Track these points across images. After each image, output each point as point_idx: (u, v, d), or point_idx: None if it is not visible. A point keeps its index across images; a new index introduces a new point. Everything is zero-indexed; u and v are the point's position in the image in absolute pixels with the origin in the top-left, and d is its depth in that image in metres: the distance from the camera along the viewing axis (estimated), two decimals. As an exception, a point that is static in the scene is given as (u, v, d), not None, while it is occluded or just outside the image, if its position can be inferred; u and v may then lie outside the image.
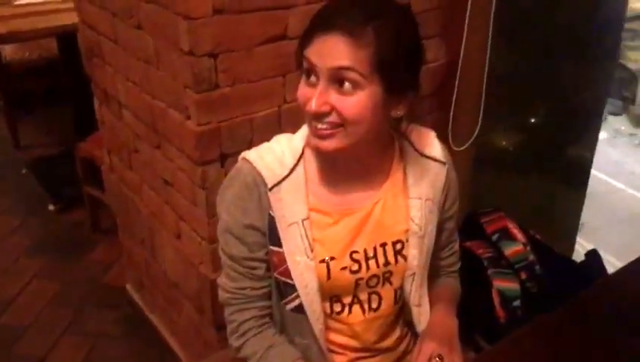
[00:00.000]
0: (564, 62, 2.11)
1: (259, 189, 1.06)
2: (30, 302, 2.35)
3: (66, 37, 2.82)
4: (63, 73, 2.98)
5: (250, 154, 1.09)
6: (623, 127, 4.01)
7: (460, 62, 1.76)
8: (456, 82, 1.80)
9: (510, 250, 1.53)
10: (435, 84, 1.82)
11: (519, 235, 1.55)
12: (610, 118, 4.04)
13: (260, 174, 1.06)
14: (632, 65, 4.04)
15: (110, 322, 2.23)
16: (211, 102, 1.40)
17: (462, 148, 1.88)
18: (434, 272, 1.22)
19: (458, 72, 1.79)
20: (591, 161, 2.47)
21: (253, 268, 1.11)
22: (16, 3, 2.78)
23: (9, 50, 3.20)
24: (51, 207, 2.88)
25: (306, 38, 0.97)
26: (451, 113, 1.83)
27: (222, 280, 1.15)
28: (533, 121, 2.08)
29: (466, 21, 1.71)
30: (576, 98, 2.23)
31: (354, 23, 0.92)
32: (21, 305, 2.34)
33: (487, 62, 1.79)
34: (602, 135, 3.71)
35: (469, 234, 1.59)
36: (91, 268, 2.52)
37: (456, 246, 1.28)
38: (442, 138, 1.52)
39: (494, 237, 1.56)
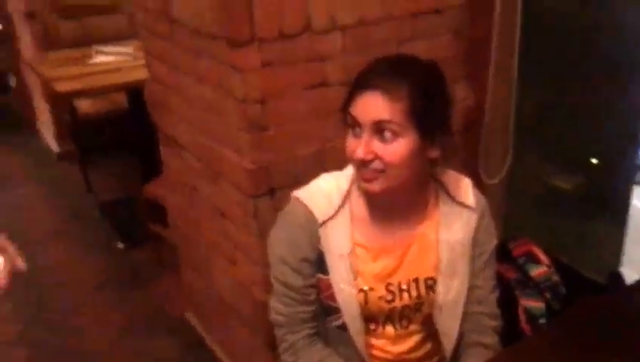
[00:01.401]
0: (596, 91, 2.21)
1: (310, 226, 1.24)
2: (102, 330, 2.58)
3: (134, 91, 3.12)
4: (131, 124, 3.28)
5: (302, 194, 1.27)
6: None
7: (488, 100, 1.93)
8: (485, 119, 1.96)
9: (535, 271, 1.65)
10: (465, 122, 1.97)
11: (543, 258, 1.67)
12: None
13: (311, 213, 1.24)
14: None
15: (172, 347, 2.42)
16: (261, 143, 1.60)
17: (493, 181, 2.03)
18: (470, 321, 1.31)
19: (486, 110, 1.94)
20: (630, 191, 2.53)
21: (307, 294, 1.28)
22: (90, 62, 3.12)
23: (83, 104, 3.54)
24: (120, 245, 3.14)
25: (350, 98, 1.17)
26: (481, 148, 1.98)
27: (275, 304, 1.32)
28: (566, 150, 2.18)
29: (492, 62, 1.87)
30: (610, 128, 2.32)
31: (389, 82, 1.12)
32: (94, 332, 2.57)
33: (513, 97, 1.94)
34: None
35: (498, 259, 1.72)
36: (155, 299, 2.74)
37: (489, 301, 1.32)
38: (473, 172, 1.68)
39: (520, 260, 1.68)
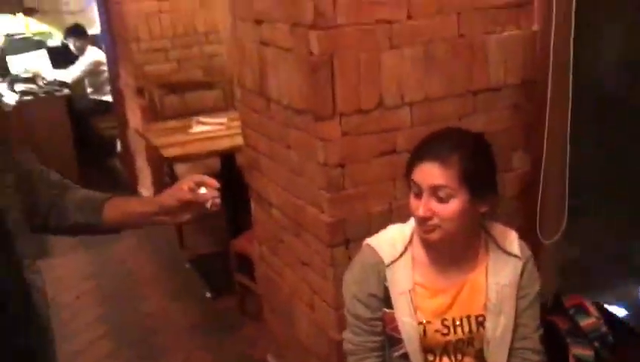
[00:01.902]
0: None
1: (378, 267, 1.50)
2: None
3: (227, 156, 3.52)
4: (222, 186, 3.66)
5: (372, 241, 1.55)
6: None
7: (543, 167, 2.13)
8: (541, 184, 2.16)
9: (585, 322, 1.80)
10: (522, 187, 2.18)
11: (593, 310, 1.82)
12: None
13: (379, 256, 1.50)
14: None
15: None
16: (339, 200, 1.88)
17: (550, 242, 2.20)
18: (516, 356, 1.51)
19: (542, 176, 2.15)
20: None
21: (374, 326, 1.53)
22: (190, 131, 3.55)
23: (181, 168, 3.98)
24: (208, 294, 3.46)
25: (412, 165, 1.45)
26: (538, 211, 2.17)
27: (347, 335, 1.57)
28: (621, 213, 2.33)
29: (545, 133, 2.09)
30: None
31: (443, 153, 1.40)
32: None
33: (567, 165, 2.14)
34: None
35: (552, 310, 1.89)
36: (239, 344, 3.01)
37: (533, 338, 1.51)
38: (531, 233, 1.88)
39: (571, 311, 1.84)
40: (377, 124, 1.87)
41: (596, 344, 1.75)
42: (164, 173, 4.20)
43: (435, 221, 1.40)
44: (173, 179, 3.97)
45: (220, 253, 3.67)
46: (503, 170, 2.13)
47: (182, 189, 1.31)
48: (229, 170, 3.56)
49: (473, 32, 1.94)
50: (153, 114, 4.26)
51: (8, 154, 1.27)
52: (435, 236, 1.43)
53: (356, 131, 1.85)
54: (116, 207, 1.36)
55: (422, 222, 1.42)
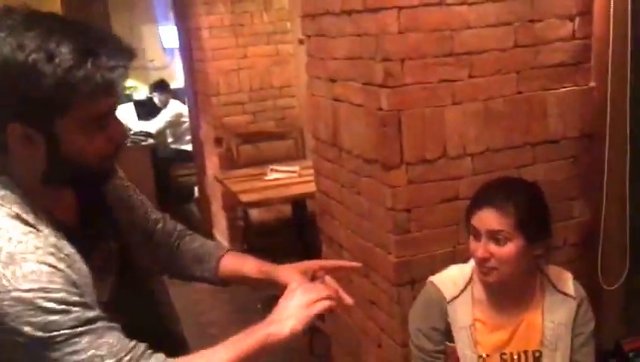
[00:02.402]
0: None
1: (440, 303, 1.65)
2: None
3: (299, 202, 3.74)
4: (294, 230, 3.88)
5: (435, 278, 1.70)
6: None
7: (603, 216, 2.22)
8: (601, 233, 2.24)
9: (644, 364, 1.86)
10: (582, 235, 2.27)
11: (653, 354, 1.88)
12: None
13: (441, 292, 1.65)
14: None
15: None
16: (406, 243, 2.04)
17: (612, 288, 2.26)
18: None
19: (602, 225, 2.23)
20: None
21: (436, 358, 1.66)
22: (266, 178, 3.81)
23: (254, 213, 4.23)
24: (278, 334, 3.63)
25: (471, 211, 1.61)
26: (599, 258, 2.24)
27: None
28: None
29: (604, 183, 2.19)
30: None
31: (500, 201, 1.55)
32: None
33: (627, 214, 2.22)
34: None
35: (612, 355, 1.96)
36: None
37: None
38: (593, 278, 1.97)
39: (630, 354, 1.90)
40: (441, 172, 2.03)
41: (656, 386, 1.81)
42: (238, 217, 4.46)
43: (493, 263, 1.54)
44: (247, 223, 4.23)
45: (289, 294, 3.84)
46: (563, 218, 2.23)
47: (300, 275, 1.28)
48: (301, 215, 3.78)
49: (531, 89, 2.09)
50: (230, 162, 4.57)
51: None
52: (492, 278, 1.57)
53: (421, 179, 2.01)
54: (233, 270, 1.40)
55: (481, 263, 1.57)
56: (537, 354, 1.60)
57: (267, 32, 4.60)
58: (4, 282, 0.93)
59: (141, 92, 7.32)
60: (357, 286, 2.41)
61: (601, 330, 1.82)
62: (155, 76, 7.05)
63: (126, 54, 1.02)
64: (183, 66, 5.27)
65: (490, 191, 1.60)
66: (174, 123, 6.25)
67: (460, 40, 1.96)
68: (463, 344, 1.61)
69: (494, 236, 1.53)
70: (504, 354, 1.60)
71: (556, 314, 1.61)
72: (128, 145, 5.64)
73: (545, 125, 2.14)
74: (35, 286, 0.94)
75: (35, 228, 1.01)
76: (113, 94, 1.03)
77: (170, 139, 6.39)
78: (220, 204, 4.88)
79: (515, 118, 2.08)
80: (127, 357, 1.00)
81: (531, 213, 1.55)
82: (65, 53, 0.94)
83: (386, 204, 2.04)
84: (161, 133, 6.24)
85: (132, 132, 5.96)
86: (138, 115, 6.43)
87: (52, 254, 0.99)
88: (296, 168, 3.85)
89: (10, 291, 0.93)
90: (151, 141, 5.86)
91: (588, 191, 2.24)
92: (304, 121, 4.54)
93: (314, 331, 3.29)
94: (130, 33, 7.22)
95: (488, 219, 1.54)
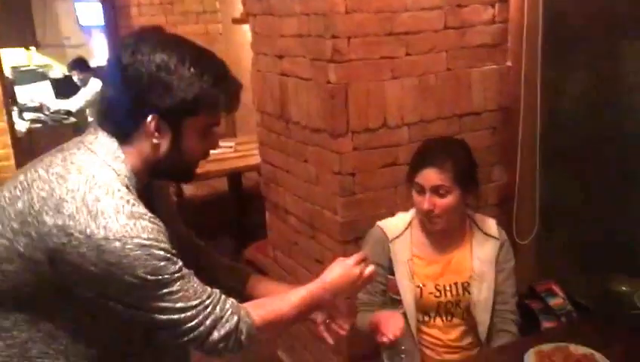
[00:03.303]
0: (611, 172, 2.78)
1: (384, 242, 1.91)
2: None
3: (235, 177, 3.89)
4: (230, 203, 4.02)
5: (381, 223, 1.97)
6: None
7: (517, 180, 2.55)
8: (516, 195, 2.57)
9: (553, 301, 2.19)
10: (500, 196, 2.59)
11: (560, 293, 2.22)
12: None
13: (385, 233, 1.91)
14: None
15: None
16: (351, 204, 2.26)
17: (524, 242, 2.60)
18: (497, 316, 1.92)
19: (516, 187, 2.56)
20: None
21: (377, 287, 1.92)
22: (202, 154, 3.92)
23: (187, 188, 4.33)
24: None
25: (415, 170, 1.87)
26: (514, 216, 2.57)
27: (359, 295, 1.95)
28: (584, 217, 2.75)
29: (518, 152, 2.51)
30: (622, 207, 2.88)
31: (440, 160, 1.82)
32: None
33: (537, 178, 2.55)
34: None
35: (528, 296, 2.28)
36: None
37: (511, 302, 1.93)
38: (509, 234, 2.27)
39: (542, 294, 2.23)
40: (382, 140, 2.26)
41: (562, 319, 2.14)
42: (172, 193, 4.53)
43: (437, 212, 1.81)
44: (181, 198, 4.32)
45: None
46: (484, 182, 2.53)
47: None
48: (237, 189, 3.93)
49: (459, 66, 2.36)
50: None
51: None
52: (438, 226, 1.85)
53: (365, 146, 2.24)
54: (264, 287, 1.56)
55: (427, 214, 1.83)
56: (466, 285, 1.88)
57: (196, 12, 4.68)
58: (129, 230, 1.12)
59: (56, 70, 7.13)
60: (303, 247, 2.62)
61: (516, 277, 2.13)
62: (71, 54, 6.88)
63: (236, 81, 1.29)
64: (108, 44, 5.22)
65: (430, 152, 1.87)
66: (95, 102, 6.15)
67: (399, 21, 2.19)
68: (402, 276, 1.89)
69: (437, 190, 1.80)
70: (438, 284, 1.88)
71: (482, 252, 1.90)
72: (50, 123, 5.53)
73: (469, 99, 2.42)
74: (152, 236, 1.14)
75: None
76: (228, 111, 1.28)
77: (90, 119, 6.29)
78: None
79: (445, 92, 2.35)
80: (209, 301, 1.20)
81: (465, 168, 1.83)
82: (210, 73, 1.21)
83: (333, 169, 2.25)
84: (81, 112, 6.13)
85: (51, 110, 5.83)
86: (56, 93, 6.28)
87: (152, 218, 1.18)
88: (231, 143, 3.99)
89: (133, 238, 1.12)
90: (73, 120, 5.76)
91: (505, 158, 2.56)
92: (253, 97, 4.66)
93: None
94: (44, 10, 7.01)
95: (431, 176, 1.81)
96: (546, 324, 2.14)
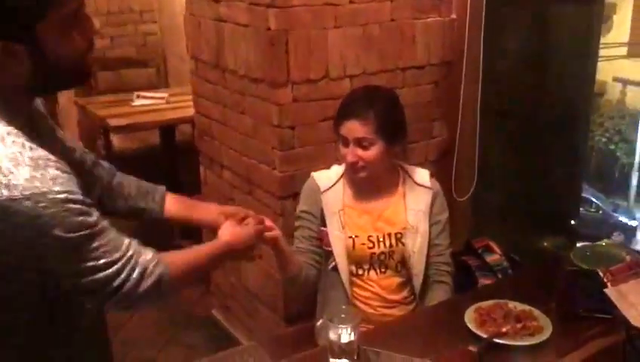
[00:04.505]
0: (546, 133, 2.82)
1: (316, 192, 1.87)
2: (138, 324, 3.05)
3: (167, 129, 3.72)
4: (162, 157, 3.85)
5: (315, 173, 1.93)
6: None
7: (457, 136, 2.52)
8: (455, 151, 2.55)
9: (490, 258, 2.20)
10: (440, 152, 2.57)
11: (497, 249, 2.24)
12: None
13: (317, 184, 1.86)
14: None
15: (200, 338, 2.91)
16: (289, 158, 2.18)
17: (462, 199, 2.60)
18: (432, 268, 1.91)
19: (456, 144, 2.54)
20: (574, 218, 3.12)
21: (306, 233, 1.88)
22: (133, 104, 3.71)
23: (116, 141, 4.11)
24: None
25: (339, 122, 1.82)
26: (453, 173, 2.56)
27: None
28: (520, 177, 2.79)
29: (460, 108, 2.48)
30: (555, 168, 2.93)
31: (362, 112, 1.77)
32: (132, 326, 3.05)
33: (477, 135, 2.54)
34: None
35: (465, 253, 2.29)
36: (183, 304, 3.22)
37: (445, 254, 1.93)
38: (447, 191, 2.25)
39: (480, 251, 2.24)
40: (323, 92, 2.17)
41: (499, 275, 2.15)
42: (100, 146, 4.30)
43: (361, 163, 1.78)
44: (110, 152, 4.10)
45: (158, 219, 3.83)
46: (425, 138, 2.51)
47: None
48: (170, 141, 3.76)
49: (403, 17, 2.28)
50: (86, 88, 4.35)
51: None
52: (363, 175, 1.82)
53: (305, 98, 2.14)
54: (180, 208, 1.56)
55: (351, 165, 1.77)
56: (399, 236, 1.86)
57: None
58: (37, 184, 0.95)
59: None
60: (239, 203, 2.52)
61: (452, 235, 2.12)
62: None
63: None
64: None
65: (353, 103, 1.82)
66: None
67: (342, -34, 2.08)
68: (333, 226, 1.84)
69: (360, 142, 1.76)
70: (370, 236, 1.85)
71: (416, 202, 1.88)
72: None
73: (413, 52, 2.35)
74: (65, 188, 0.98)
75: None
76: None
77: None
78: (76, 132, 4.65)
79: (388, 43, 2.27)
80: (130, 251, 1.09)
81: (389, 119, 1.79)
82: None
83: (272, 121, 2.15)
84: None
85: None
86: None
87: (57, 161, 1.01)
88: (164, 94, 3.80)
89: (45, 193, 0.96)
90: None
91: (446, 114, 2.52)
92: (167, 47, 4.44)
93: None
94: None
95: (353, 128, 1.76)
96: (483, 281, 2.15)
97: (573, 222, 3.08)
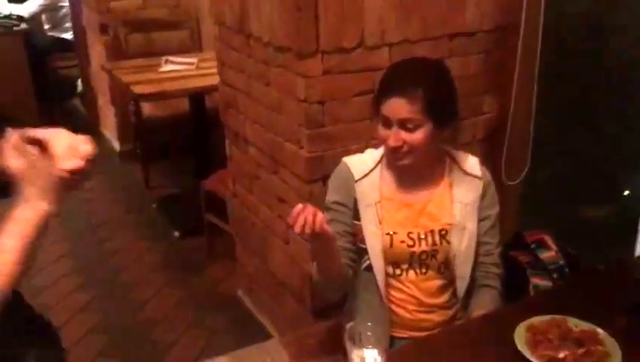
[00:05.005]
0: (610, 104, 2.49)
1: (349, 181, 1.62)
2: (160, 304, 2.92)
3: (197, 97, 3.51)
4: (191, 127, 3.66)
5: (347, 158, 1.67)
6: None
7: (511, 113, 2.23)
8: (508, 129, 2.26)
9: (544, 255, 1.93)
10: (490, 131, 2.28)
11: (552, 245, 1.96)
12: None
13: (350, 171, 1.61)
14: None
15: (223, 321, 2.75)
16: (318, 137, 1.94)
17: (513, 183, 2.32)
18: (479, 269, 1.66)
19: (509, 121, 2.25)
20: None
21: (339, 228, 1.62)
22: (161, 70, 3.51)
23: (147, 108, 3.94)
24: (176, 234, 3.50)
25: (380, 100, 1.54)
26: (504, 153, 2.28)
27: None
28: (582, 158, 2.47)
29: (515, 80, 2.18)
30: (621, 138, 2.60)
31: (409, 89, 1.49)
32: (153, 305, 2.91)
33: (533, 112, 2.24)
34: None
35: (514, 246, 2.02)
36: (207, 282, 3.07)
37: (494, 254, 1.67)
38: (496, 173, 1.98)
39: (532, 246, 1.97)
40: (358, 63, 1.91)
41: (554, 275, 1.89)
42: (129, 113, 4.15)
43: (405, 148, 1.52)
44: (139, 119, 3.94)
45: (187, 193, 3.69)
46: (473, 114, 2.23)
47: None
48: (199, 110, 3.56)
49: (452, -23, 1.98)
50: (117, 52, 4.18)
51: None
52: (405, 162, 1.55)
53: (337, 69, 1.89)
54: None
55: (394, 150, 1.52)
56: (444, 233, 1.61)
57: None
58: None
59: (9, -29, 6.46)
60: (264, 184, 2.31)
61: (500, 225, 1.86)
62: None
63: None
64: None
65: (398, 78, 1.53)
66: (50, 7, 5.58)
67: None
68: (368, 221, 1.60)
69: (405, 124, 1.49)
70: (411, 232, 1.60)
71: (464, 194, 1.62)
72: (-2, 30, 5.01)
73: (462, 16, 2.06)
74: None
75: None
76: None
77: (46, 26, 5.74)
78: (108, 98, 4.51)
79: (433, 6, 1.99)
80: None
81: (439, 97, 1.51)
82: None
83: (298, 95, 1.91)
84: (35, 18, 5.57)
85: (1, 15, 5.28)
86: (7, -2, 5.69)
87: None
88: (193, 60, 3.58)
89: None
90: (24, 26, 5.22)
91: (498, 88, 2.23)
92: (201, 8, 4.21)
93: (213, 231, 3.19)
94: None
95: (398, 107, 1.49)
96: (536, 281, 1.89)
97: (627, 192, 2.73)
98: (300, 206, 1.33)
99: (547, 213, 2.42)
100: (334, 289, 1.67)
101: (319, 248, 1.49)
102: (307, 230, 1.32)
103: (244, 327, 2.68)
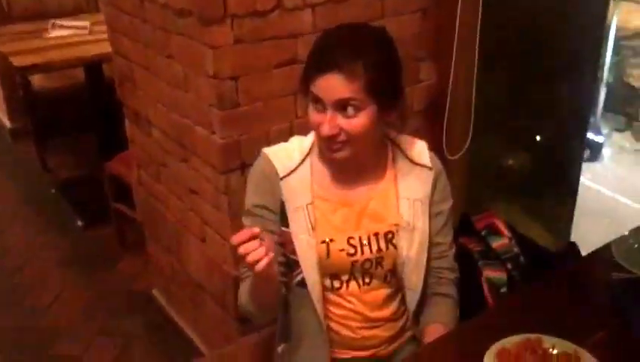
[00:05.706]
0: (547, 79, 2.32)
1: (272, 179, 1.30)
2: (64, 309, 2.55)
3: (93, 66, 3.07)
4: (89, 100, 3.22)
5: (268, 150, 1.34)
6: (627, 144, 4.06)
7: (451, 80, 1.98)
8: (448, 98, 2.02)
9: (497, 243, 1.72)
10: (429, 100, 2.03)
11: (504, 230, 1.75)
12: (615, 135, 4.12)
13: (274, 166, 1.30)
14: (634, 83, 4.14)
15: (138, 325, 2.42)
16: (233, 119, 1.62)
17: (455, 157, 2.09)
18: (432, 275, 1.40)
19: (449, 89, 2.00)
20: (579, 171, 2.66)
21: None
22: (48, 36, 3.03)
23: (37, 80, 3.45)
24: (79, 223, 3.10)
25: (309, 76, 1.21)
26: (444, 126, 2.04)
27: None
28: (520, 132, 2.29)
29: (455, 43, 1.93)
30: (559, 113, 2.44)
31: (346, 62, 1.16)
32: (56, 311, 2.55)
33: (474, 78, 2.00)
34: (606, 151, 3.86)
35: (462, 231, 1.79)
36: (119, 278, 2.72)
37: (449, 256, 1.42)
38: (437, 148, 1.73)
39: (483, 233, 1.75)
40: (275, 28, 1.59)
41: (508, 265, 1.68)
42: (18, 85, 3.63)
43: (343, 137, 1.21)
44: (29, 93, 3.44)
45: (91, 176, 3.27)
46: (410, 82, 1.96)
47: None
48: (96, 82, 3.12)
49: None
50: (-1, 16, 3.63)
51: None
52: (342, 154, 1.24)
53: (251, 37, 1.56)
54: None
55: (328, 139, 1.22)
56: (390, 236, 1.33)
57: None
58: None
59: None
60: (172, 172, 1.97)
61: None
62: None
63: None
64: None
65: (333, 49, 1.20)
66: None
67: None
68: (298, 227, 1.30)
69: (343, 106, 1.19)
70: (352, 238, 1.31)
71: (412, 188, 1.34)
72: None
73: (396, -30, 1.77)
74: None
75: None
76: None
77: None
78: (-8, 68, 3.95)
79: (363, -42, 1.68)
80: None
81: (384, 73, 1.20)
82: None
83: (206, 69, 1.57)
84: None
85: None
86: None
87: None
88: (86, 23, 3.11)
89: None
90: None
91: (437, 52, 1.97)
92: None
93: (122, 219, 2.82)
94: None
95: (334, 86, 1.17)
96: (488, 273, 1.67)
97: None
98: (250, 231, 1.07)
99: (492, 189, 2.23)
100: (265, 316, 1.39)
101: (258, 284, 1.23)
102: (257, 268, 1.07)
103: (161, 333, 2.36)
